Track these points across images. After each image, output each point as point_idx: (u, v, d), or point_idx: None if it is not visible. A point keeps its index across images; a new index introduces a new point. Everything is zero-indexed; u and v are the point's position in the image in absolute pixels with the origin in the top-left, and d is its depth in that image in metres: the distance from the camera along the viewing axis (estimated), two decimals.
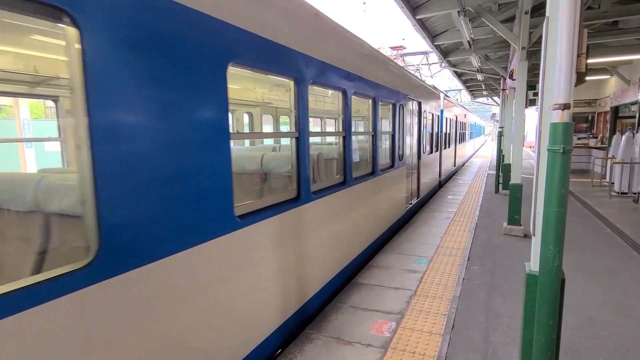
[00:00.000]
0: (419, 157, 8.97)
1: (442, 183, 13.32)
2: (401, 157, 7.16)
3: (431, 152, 10.71)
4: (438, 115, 11.77)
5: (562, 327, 2.29)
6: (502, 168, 11.40)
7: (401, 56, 22.19)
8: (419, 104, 8.77)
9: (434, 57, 13.92)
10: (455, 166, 17.08)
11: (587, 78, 2.60)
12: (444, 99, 12.82)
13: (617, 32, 9.92)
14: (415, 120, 8.60)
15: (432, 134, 10.79)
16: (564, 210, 2.05)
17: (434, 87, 13.06)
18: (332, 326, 3.81)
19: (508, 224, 7.25)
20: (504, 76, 13.54)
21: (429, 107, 9.94)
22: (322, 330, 3.72)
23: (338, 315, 4.02)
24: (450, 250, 6.17)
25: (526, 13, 6.99)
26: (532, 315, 2.30)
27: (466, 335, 3.66)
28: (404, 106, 7.20)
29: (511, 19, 8.91)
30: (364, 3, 38.25)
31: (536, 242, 2.30)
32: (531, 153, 24.82)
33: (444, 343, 3.50)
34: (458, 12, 7.81)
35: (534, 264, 2.36)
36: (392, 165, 6.66)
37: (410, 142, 8.04)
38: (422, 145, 9.16)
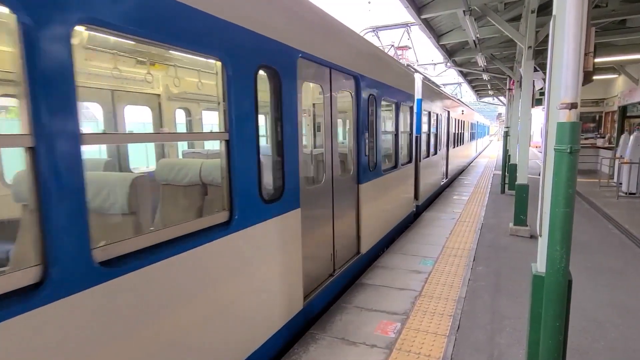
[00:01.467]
0: (358, 181, 5.13)
1: (421, 210, 9.13)
2: (280, 194, 3.27)
3: (395, 167, 6.84)
4: (411, 108, 8.06)
5: (569, 328, 2.27)
6: (508, 168, 11.32)
7: (373, 30, 14.19)
8: (356, 81, 4.92)
9: (418, 32, 10.30)
10: (446, 178, 13.21)
11: (595, 77, 2.58)
12: (424, 83, 8.93)
13: (625, 31, 9.82)
14: (352, 111, 5.00)
15: (397, 136, 6.83)
16: (571, 211, 2.03)
17: (408, 66, 9.89)
18: (336, 327, 3.80)
19: (514, 224, 7.20)
20: (510, 75, 13.44)
21: (384, 92, 5.97)
22: (326, 331, 3.72)
23: (343, 316, 4.02)
24: (456, 251, 6.13)
25: (532, 12, 6.94)
26: (538, 317, 2.28)
27: (472, 336, 3.64)
28: (294, 79, 3.43)
29: (517, 18, 8.85)
30: (369, 2, 37.98)
31: (543, 243, 2.28)
32: (537, 153, 24.65)
33: (449, 344, 3.48)
34: (463, 11, 7.77)
35: (540, 265, 2.34)
36: (250, 215, 2.91)
37: (332, 151, 4.40)
38: (369, 156, 5.39)
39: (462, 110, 17.03)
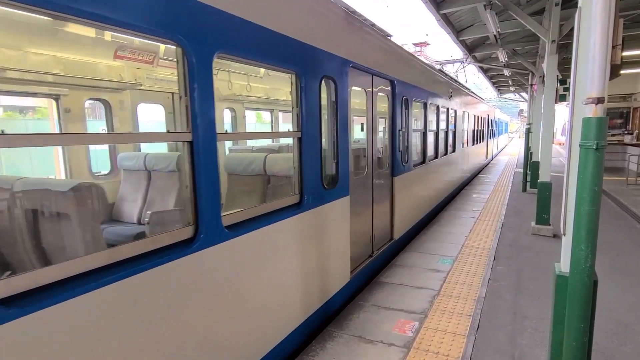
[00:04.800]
0: None
1: None
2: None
3: None
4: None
5: (594, 330, 2.21)
6: (530, 166, 11.05)
7: None
8: None
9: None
10: (390, 240, 5.89)
11: (622, 71, 2.48)
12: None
13: None
14: None
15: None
16: (597, 209, 1.96)
17: None
18: (354, 324, 3.80)
19: (536, 223, 7.03)
20: (532, 71, 13.10)
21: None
22: (344, 328, 3.72)
23: (360, 314, 4.01)
24: (475, 250, 6.03)
25: (556, 5, 6.75)
26: (562, 318, 2.22)
27: (492, 336, 3.58)
28: None
29: (540, 12, 8.61)
30: None
31: (567, 242, 2.21)
32: (561, 150, 23.99)
33: (469, 344, 3.43)
34: (484, 5, 7.61)
35: (564, 265, 2.27)
36: None
37: None
38: None
39: (450, 92, 9.63)
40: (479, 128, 16.05)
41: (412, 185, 6.69)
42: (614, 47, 1.98)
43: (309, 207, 3.47)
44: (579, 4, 2.11)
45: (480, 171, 16.88)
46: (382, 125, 5.68)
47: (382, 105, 5.51)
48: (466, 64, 17.32)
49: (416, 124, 7.14)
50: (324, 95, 3.70)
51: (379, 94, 5.24)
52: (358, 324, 3.81)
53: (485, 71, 18.54)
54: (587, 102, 1.93)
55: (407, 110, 6.16)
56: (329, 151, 3.99)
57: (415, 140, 7.18)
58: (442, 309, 4.09)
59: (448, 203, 9.95)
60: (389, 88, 5.55)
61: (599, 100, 1.90)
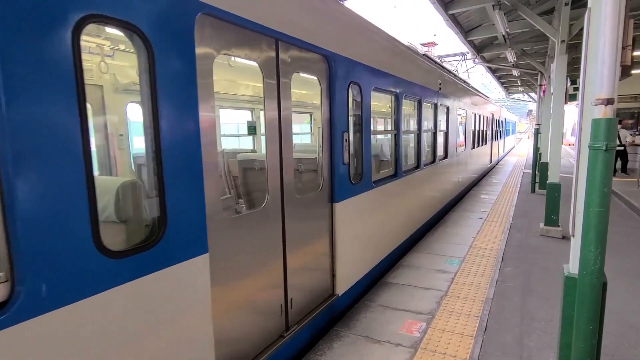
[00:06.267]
0: None
1: None
2: None
3: None
4: None
5: (603, 333, 2.19)
6: (539, 167, 10.96)
7: None
8: None
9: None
10: None
11: (633, 71, 2.47)
12: None
13: None
14: None
15: None
16: (606, 211, 1.96)
17: None
18: (361, 324, 3.81)
19: (545, 224, 6.97)
20: (541, 71, 12.99)
21: None
22: (351, 328, 3.73)
23: (367, 314, 4.01)
24: (483, 251, 6.00)
25: (566, 4, 6.69)
26: (570, 320, 2.21)
27: (499, 338, 3.56)
28: None
29: (550, 11, 8.55)
30: None
31: (575, 244, 2.21)
32: (570, 151, 23.73)
33: (476, 345, 3.42)
34: (493, 5, 7.58)
35: (572, 266, 2.27)
36: None
37: None
38: None
39: (439, 84, 7.18)
40: (481, 129, 13.44)
41: (371, 212, 4.60)
42: (624, 47, 1.98)
43: (43, 307, 1.50)
44: (589, 5, 2.10)
45: (481, 179, 14.55)
46: (317, 125, 3.78)
47: (315, 93, 3.87)
48: (473, 66, 17.18)
49: (385, 123, 5.23)
50: (94, 60, 1.91)
51: (302, 74, 3.34)
52: (365, 324, 3.82)
53: (493, 71, 18.43)
54: (596, 103, 1.93)
55: (361, 103, 4.23)
56: (146, 175, 2.06)
57: (384, 145, 5.59)
58: (449, 309, 4.09)
59: (435, 224, 7.77)
60: (323, 67, 3.55)
61: (609, 101, 1.90)
